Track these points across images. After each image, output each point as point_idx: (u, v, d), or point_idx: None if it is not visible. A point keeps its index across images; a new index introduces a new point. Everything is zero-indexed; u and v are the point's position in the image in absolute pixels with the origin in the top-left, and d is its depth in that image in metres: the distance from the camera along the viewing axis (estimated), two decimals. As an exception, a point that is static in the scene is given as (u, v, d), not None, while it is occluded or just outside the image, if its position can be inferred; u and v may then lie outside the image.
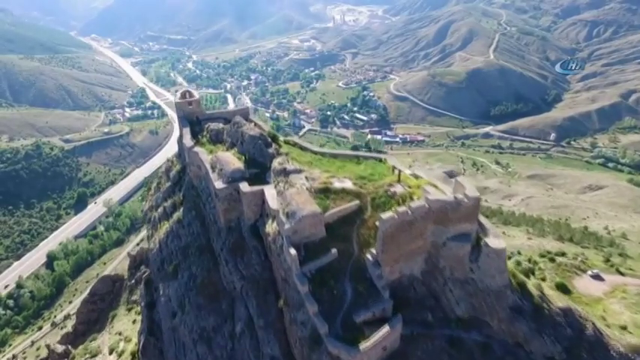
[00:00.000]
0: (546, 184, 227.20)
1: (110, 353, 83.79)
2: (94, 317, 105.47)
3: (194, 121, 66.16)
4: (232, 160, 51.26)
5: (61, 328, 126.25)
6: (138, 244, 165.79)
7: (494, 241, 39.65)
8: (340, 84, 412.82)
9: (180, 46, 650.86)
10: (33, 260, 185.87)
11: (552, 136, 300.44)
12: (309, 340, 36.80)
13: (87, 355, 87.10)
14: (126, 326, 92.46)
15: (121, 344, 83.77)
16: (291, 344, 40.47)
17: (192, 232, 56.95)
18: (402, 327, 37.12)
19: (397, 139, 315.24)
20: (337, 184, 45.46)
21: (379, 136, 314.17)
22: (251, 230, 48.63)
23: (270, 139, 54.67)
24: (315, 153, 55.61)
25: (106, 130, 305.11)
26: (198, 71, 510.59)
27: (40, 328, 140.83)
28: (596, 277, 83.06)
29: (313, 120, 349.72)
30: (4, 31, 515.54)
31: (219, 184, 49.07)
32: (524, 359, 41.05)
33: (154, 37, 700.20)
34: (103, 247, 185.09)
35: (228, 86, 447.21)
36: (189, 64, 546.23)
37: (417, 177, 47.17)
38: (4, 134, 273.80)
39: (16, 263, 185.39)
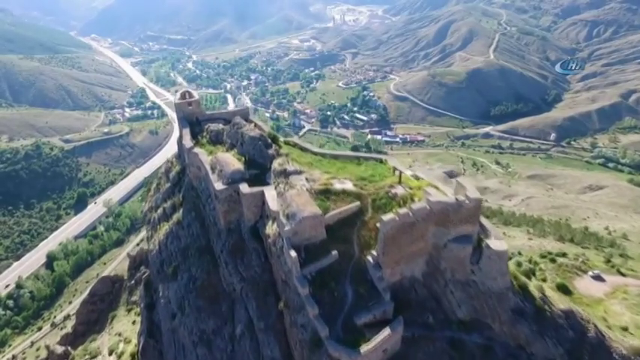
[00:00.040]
0: (546, 184, 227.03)
1: (110, 354, 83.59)
2: (94, 318, 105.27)
3: (194, 122, 65.83)
4: (232, 161, 50.99)
5: (61, 329, 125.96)
6: (138, 245, 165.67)
7: (495, 243, 39.44)
8: (340, 84, 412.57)
9: (180, 46, 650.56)
10: (33, 260, 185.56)
11: (552, 136, 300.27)
12: (309, 343, 36.57)
13: (86, 356, 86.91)
14: (125, 327, 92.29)
15: (121, 345, 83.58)
16: (292, 347, 40.24)
17: (192, 233, 56.68)
18: (403, 329, 36.90)
19: (397, 139, 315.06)
20: (338, 186, 45.20)
21: (379, 136, 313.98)
22: (251, 232, 48.34)
23: (270, 140, 54.35)
24: (316, 154, 55.27)
25: (105, 130, 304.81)
26: (198, 71, 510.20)
27: (40, 328, 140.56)
28: (597, 277, 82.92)
29: (313, 120, 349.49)
30: (4, 31, 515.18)
31: (219, 186, 48.80)
32: (526, 362, 40.88)
33: (153, 37, 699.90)
34: (103, 248, 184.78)
35: (228, 86, 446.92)
36: (189, 64, 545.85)
37: (417, 178, 46.92)
38: (4, 134, 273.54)
39: (15, 263, 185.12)
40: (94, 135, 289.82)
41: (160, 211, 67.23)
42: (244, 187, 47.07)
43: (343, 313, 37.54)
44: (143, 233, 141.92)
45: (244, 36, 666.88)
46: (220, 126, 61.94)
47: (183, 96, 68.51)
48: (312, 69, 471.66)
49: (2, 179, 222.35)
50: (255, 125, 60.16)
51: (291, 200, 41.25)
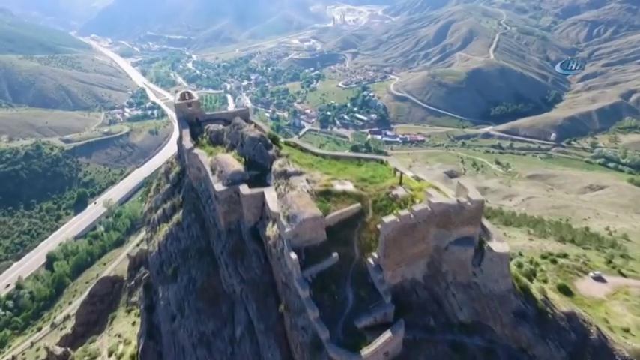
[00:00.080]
0: (546, 184, 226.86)
1: (109, 355, 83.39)
2: (94, 319, 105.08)
3: (194, 123, 65.56)
4: (232, 162, 50.73)
5: (61, 329, 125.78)
6: (138, 245, 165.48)
7: (497, 245, 39.19)
8: (340, 84, 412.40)
9: (180, 46, 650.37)
10: (33, 261, 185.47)
11: (552, 136, 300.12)
12: (310, 346, 36.32)
13: (86, 358, 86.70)
14: (125, 328, 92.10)
15: (121, 346, 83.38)
16: (292, 349, 40.00)
17: (192, 234, 56.45)
18: (404, 332, 36.67)
19: (397, 139, 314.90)
20: (338, 187, 44.96)
21: (379, 137, 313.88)
22: (251, 233, 48.09)
23: (270, 141, 54.06)
24: (316, 155, 55.03)
25: (105, 130, 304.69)
26: (198, 71, 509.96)
27: (40, 329, 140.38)
28: (598, 278, 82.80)
29: (313, 120, 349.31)
30: (4, 31, 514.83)
31: (218, 187, 48.53)
32: (528, 364, 40.63)
33: (153, 37, 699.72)
34: (103, 248, 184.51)
35: (228, 86, 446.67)
36: (189, 64, 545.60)
37: (418, 179, 46.69)
38: (4, 134, 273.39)
39: (15, 264, 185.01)
40: (94, 135, 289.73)
41: (159, 212, 67.03)
42: (244, 189, 46.82)
43: (344, 316, 37.28)
44: (143, 234, 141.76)
45: (244, 36, 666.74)
46: (220, 127, 61.64)
47: (182, 96, 68.22)
48: (312, 69, 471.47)
49: (2, 179, 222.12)
50: (255, 126, 59.88)
51: (291, 202, 41.01)
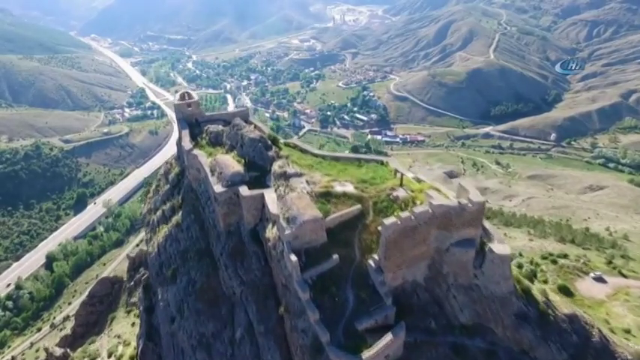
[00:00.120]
0: (547, 184, 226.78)
1: (109, 357, 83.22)
2: (93, 319, 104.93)
3: (193, 123, 65.31)
4: (232, 164, 50.45)
5: (60, 330, 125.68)
6: (137, 245, 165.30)
7: (498, 247, 38.93)
8: (340, 84, 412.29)
9: (180, 46, 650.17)
10: (32, 261, 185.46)
11: (552, 136, 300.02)
12: (310, 349, 36.08)
13: (85, 359, 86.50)
14: (125, 329, 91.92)
15: (120, 348, 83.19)
16: (292, 351, 39.75)
17: (191, 236, 56.18)
18: (405, 334, 36.41)
19: (397, 140, 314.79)
20: (338, 188, 44.68)
21: (379, 137, 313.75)
22: (251, 235, 47.84)
23: (270, 142, 53.76)
24: (316, 156, 54.71)
25: (105, 130, 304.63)
26: (198, 71, 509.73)
27: (40, 329, 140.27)
28: (599, 279, 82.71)
29: (313, 120, 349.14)
30: (3, 31, 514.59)
31: (218, 188, 48.24)
32: (530, 366, 40.40)
33: (153, 37, 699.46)
34: (103, 248, 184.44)
35: (228, 86, 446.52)
36: (189, 64, 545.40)
37: (419, 180, 46.42)
38: (4, 135, 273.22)
39: (15, 264, 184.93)
40: (93, 135, 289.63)
41: (159, 213, 66.78)
42: (244, 190, 46.57)
43: (344, 318, 37.00)
44: (142, 234, 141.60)
45: (244, 36, 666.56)
46: (220, 127, 61.36)
47: (182, 97, 67.92)
48: (312, 69, 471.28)
49: (2, 180, 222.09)
50: (255, 127, 59.59)
51: (291, 203, 40.76)
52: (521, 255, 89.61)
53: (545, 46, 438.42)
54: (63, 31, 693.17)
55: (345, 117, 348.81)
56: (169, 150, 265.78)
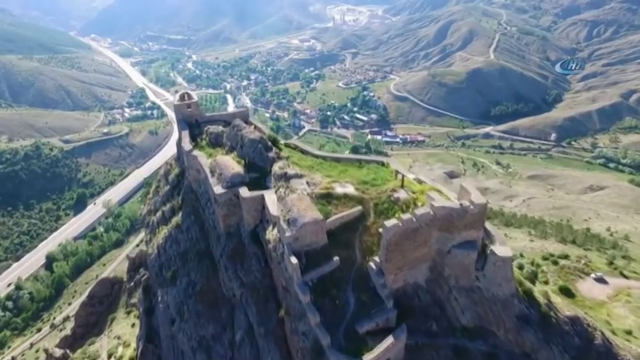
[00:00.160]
0: (547, 184, 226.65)
1: (109, 358, 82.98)
2: (93, 320, 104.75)
3: (193, 124, 65.05)
4: (232, 165, 50.17)
5: (60, 330, 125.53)
6: (137, 246, 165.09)
7: (500, 249, 38.67)
8: (340, 84, 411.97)
9: (180, 46, 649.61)
10: (32, 261, 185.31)
11: (553, 136, 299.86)
12: (310, 352, 35.82)
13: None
14: (125, 330, 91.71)
15: (120, 349, 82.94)
16: (293, 354, 39.51)
17: (191, 237, 55.90)
18: (406, 337, 36.17)
19: (397, 140, 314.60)
20: (339, 190, 44.43)
21: (379, 137, 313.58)
22: (251, 236, 47.58)
23: (270, 143, 53.51)
24: (317, 157, 54.48)
25: (105, 130, 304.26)
26: (198, 71, 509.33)
27: (39, 330, 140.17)
28: (600, 280, 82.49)
29: (313, 120, 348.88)
30: (3, 31, 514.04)
31: (218, 189, 47.95)
32: (532, 369, 40.15)
33: (153, 37, 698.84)
34: (103, 249, 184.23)
35: (228, 86, 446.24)
36: (189, 64, 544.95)
37: (420, 182, 46.19)
38: (4, 135, 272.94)
39: (15, 264, 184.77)
40: (93, 135, 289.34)
41: (158, 214, 66.51)
42: (244, 191, 46.29)
43: (345, 321, 36.78)
44: (142, 234, 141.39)
45: (244, 36, 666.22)
46: (220, 128, 61.10)
47: (182, 98, 67.63)
48: (312, 69, 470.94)
49: (2, 180, 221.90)
50: (255, 127, 59.31)
51: (291, 205, 40.50)
52: (522, 256, 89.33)
53: (545, 46, 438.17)
54: (63, 31, 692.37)
55: (345, 117, 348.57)
56: (169, 150, 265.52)
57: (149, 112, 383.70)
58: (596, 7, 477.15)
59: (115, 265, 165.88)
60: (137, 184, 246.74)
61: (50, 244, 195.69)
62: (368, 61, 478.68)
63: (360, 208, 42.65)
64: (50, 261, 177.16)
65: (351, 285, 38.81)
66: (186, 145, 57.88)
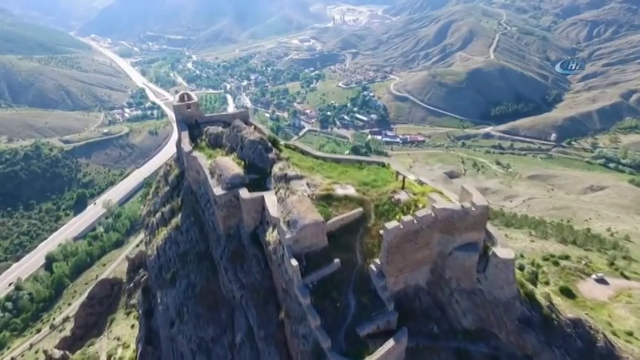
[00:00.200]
0: (547, 184, 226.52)
1: (108, 359, 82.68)
2: (93, 321, 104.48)
3: (193, 125, 64.76)
4: (231, 166, 49.89)
5: (60, 331, 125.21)
6: (137, 246, 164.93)
7: (502, 251, 38.38)
8: (340, 84, 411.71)
9: (179, 46, 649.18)
10: (32, 262, 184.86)
11: (553, 136, 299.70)
12: (311, 355, 35.56)
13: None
14: (124, 331, 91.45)
15: (119, 350, 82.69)
16: (293, 357, 39.26)
17: (191, 238, 55.63)
18: (407, 340, 35.90)
19: (397, 140, 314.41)
20: (340, 191, 44.13)
21: (379, 137, 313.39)
22: (251, 238, 47.26)
23: (270, 144, 53.23)
24: (317, 158, 54.12)
25: (105, 130, 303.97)
26: (197, 71, 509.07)
27: (39, 330, 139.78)
28: (601, 280, 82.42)
29: (313, 120, 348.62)
30: (3, 31, 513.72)
31: (218, 191, 47.66)
32: (533, 372, 39.89)
33: (153, 37, 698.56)
34: (103, 249, 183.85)
35: (228, 86, 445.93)
36: (189, 65, 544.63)
37: (421, 183, 45.90)
38: (3, 135, 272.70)
39: (15, 265, 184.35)
40: (93, 135, 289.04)
41: (158, 215, 66.24)
42: (244, 193, 46.00)
43: (346, 324, 36.50)
44: (142, 235, 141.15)
45: (244, 36, 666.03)
46: (220, 129, 60.77)
47: (181, 98, 67.35)
48: (312, 69, 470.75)
49: (1, 180, 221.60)
50: (255, 128, 59.01)
51: (291, 206, 40.21)
52: (522, 256, 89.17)
53: (545, 46, 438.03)
54: (63, 31, 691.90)
55: (345, 117, 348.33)
56: (169, 150, 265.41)
57: (149, 112, 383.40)
58: (596, 7, 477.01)
59: (115, 265, 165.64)
60: (137, 184, 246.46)
61: (50, 244, 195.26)
62: (368, 61, 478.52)
63: (360, 209, 42.36)
64: (50, 261, 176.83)
65: (351, 287, 38.50)
66: (186, 146, 57.60)
